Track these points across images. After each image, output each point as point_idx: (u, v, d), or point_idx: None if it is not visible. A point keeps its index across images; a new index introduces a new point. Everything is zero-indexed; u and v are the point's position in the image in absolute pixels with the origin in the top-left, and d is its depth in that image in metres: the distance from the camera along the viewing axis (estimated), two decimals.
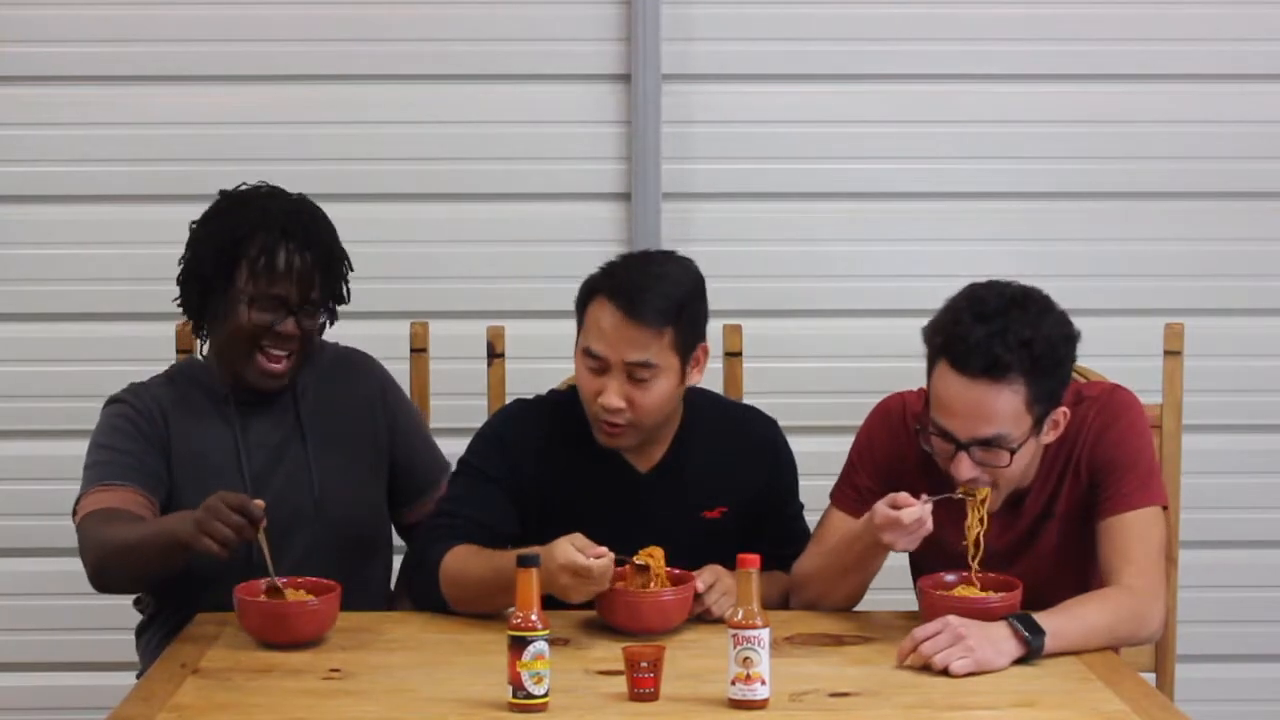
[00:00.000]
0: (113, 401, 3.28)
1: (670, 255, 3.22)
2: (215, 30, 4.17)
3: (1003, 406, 2.91)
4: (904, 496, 2.94)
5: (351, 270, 3.32)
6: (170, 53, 4.17)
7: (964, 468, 2.96)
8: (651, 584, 3.00)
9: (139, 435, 3.21)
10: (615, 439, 3.13)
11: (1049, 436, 3.00)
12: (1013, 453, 2.94)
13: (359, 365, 3.41)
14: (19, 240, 4.20)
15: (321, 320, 3.26)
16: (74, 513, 3.14)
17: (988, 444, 2.93)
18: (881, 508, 2.94)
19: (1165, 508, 3.07)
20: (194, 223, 3.28)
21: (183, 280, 3.27)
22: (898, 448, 3.15)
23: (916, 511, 2.92)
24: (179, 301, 3.29)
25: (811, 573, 3.15)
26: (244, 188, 3.30)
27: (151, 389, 3.29)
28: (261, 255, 3.17)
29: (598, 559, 2.88)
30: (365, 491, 3.34)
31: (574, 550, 2.88)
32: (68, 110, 4.18)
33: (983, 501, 2.99)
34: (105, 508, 3.09)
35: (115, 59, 4.17)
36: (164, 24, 4.17)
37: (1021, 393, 2.91)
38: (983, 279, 3.06)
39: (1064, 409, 2.99)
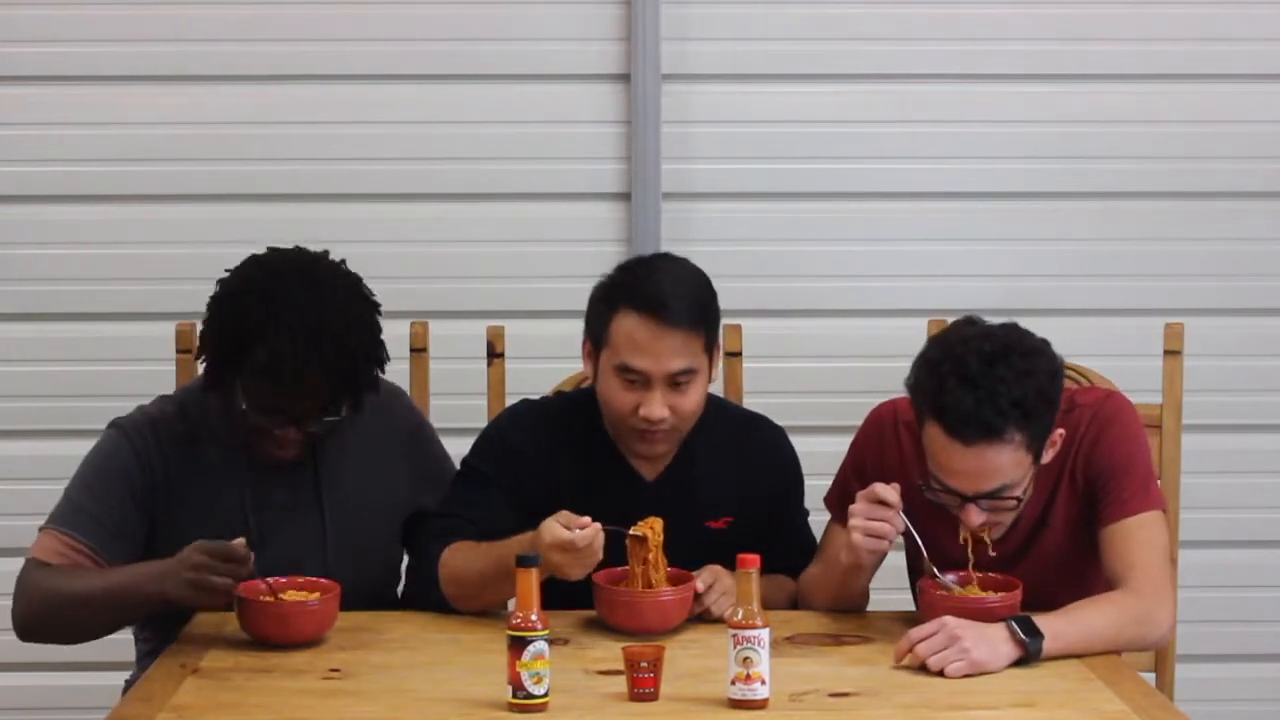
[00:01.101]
0: (115, 428, 3.12)
1: (671, 257, 3.22)
2: (215, 30, 4.17)
3: (1004, 461, 2.90)
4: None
5: (387, 360, 3.09)
6: (170, 53, 4.17)
7: (973, 516, 2.95)
8: (651, 555, 3.00)
9: (125, 488, 3.06)
10: (656, 446, 3.12)
11: (1048, 457, 3.00)
12: (1019, 499, 2.96)
13: (381, 408, 3.17)
14: (19, 240, 4.20)
15: (331, 422, 3.02)
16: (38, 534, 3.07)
17: (994, 495, 2.93)
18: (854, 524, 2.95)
19: (1165, 511, 3.07)
20: (218, 284, 3.07)
21: (199, 341, 3.09)
22: (889, 458, 3.14)
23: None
24: (199, 357, 3.10)
25: (812, 585, 3.16)
26: (273, 262, 3.05)
27: (161, 425, 3.11)
28: (268, 365, 2.94)
29: (582, 530, 2.88)
30: (381, 554, 3.23)
31: (559, 527, 2.89)
32: (68, 110, 4.18)
33: (989, 538, 3.00)
34: (50, 563, 3.00)
35: (115, 59, 4.17)
36: (164, 24, 4.17)
37: (1020, 443, 2.89)
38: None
39: (1059, 430, 2.99)
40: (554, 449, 3.17)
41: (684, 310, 3.05)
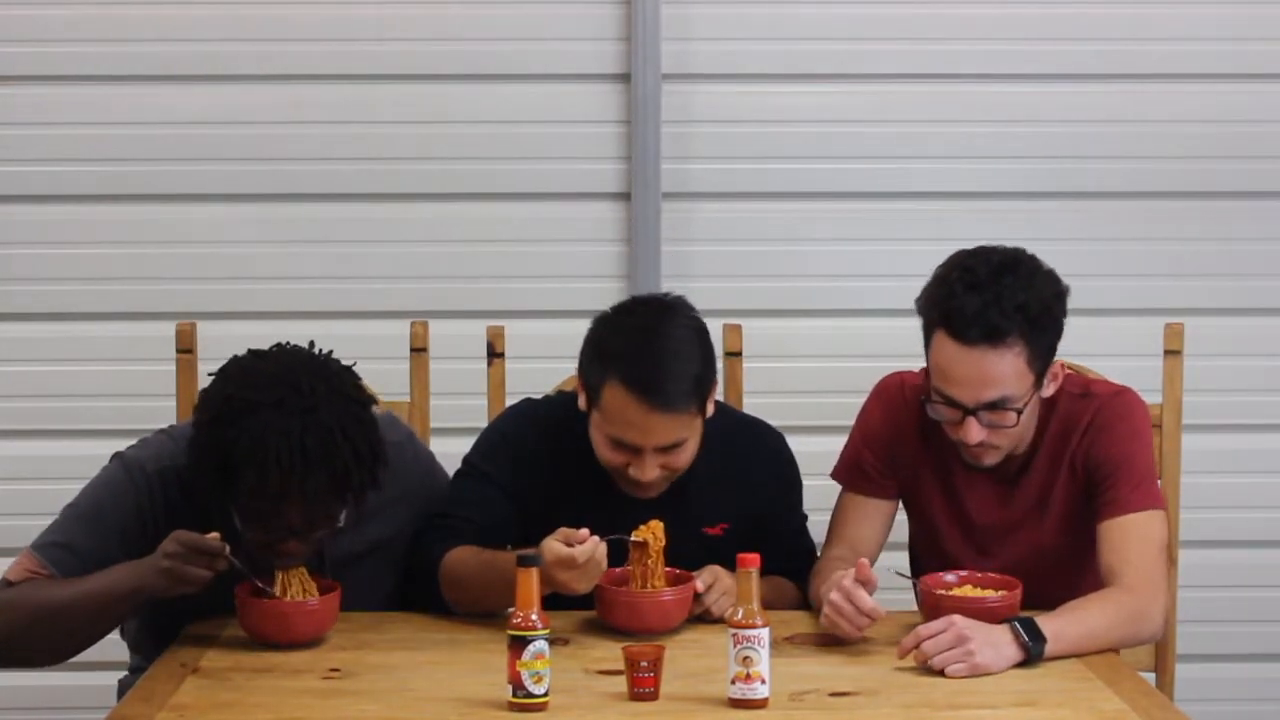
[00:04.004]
0: (123, 469, 3.03)
1: (668, 310, 3.07)
2: (215, 30, 4.17)
3: (1005, 369, 2.95)
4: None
5: (384, 465, 2.93)
6: (170, 53, 4.17)
7: (972, 432, 2.98)
8: (651, 560, 3.00)
9: (118, 538, 2.97)
10: (647, 493, 3.08)
11: (1049, 390, 3.04)
12: (1019, 412, 2.98)
13: (394, 471, 3.01)
14: (19, 240, 4.20)
15: (331, 527, 2.93)
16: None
17: (994, 406, 2.97)
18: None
19: (1164, 510, 3.08)
20: (199, 400, 2.95)
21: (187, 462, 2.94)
22: (897, 424, 3.17)
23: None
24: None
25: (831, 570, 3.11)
26: (255, 370, 2.90)
27: (169, 479, 3.00)
28: (258, 489, 2.82)
29: (582, 544, 2.87)
30: (379, 595, 3.16)
31: (559, 545, 2.87)
32: (68, 110, 4.18)
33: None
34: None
35: (115, 59, 4.17)
36: (164, 24, 4.17)
37: (1022, 354, 2.95)
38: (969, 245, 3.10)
39: (1060, 361, 3.04)
40: (554, 450, 3.16)
41: (679, 393, 2.98)
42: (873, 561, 3.08)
